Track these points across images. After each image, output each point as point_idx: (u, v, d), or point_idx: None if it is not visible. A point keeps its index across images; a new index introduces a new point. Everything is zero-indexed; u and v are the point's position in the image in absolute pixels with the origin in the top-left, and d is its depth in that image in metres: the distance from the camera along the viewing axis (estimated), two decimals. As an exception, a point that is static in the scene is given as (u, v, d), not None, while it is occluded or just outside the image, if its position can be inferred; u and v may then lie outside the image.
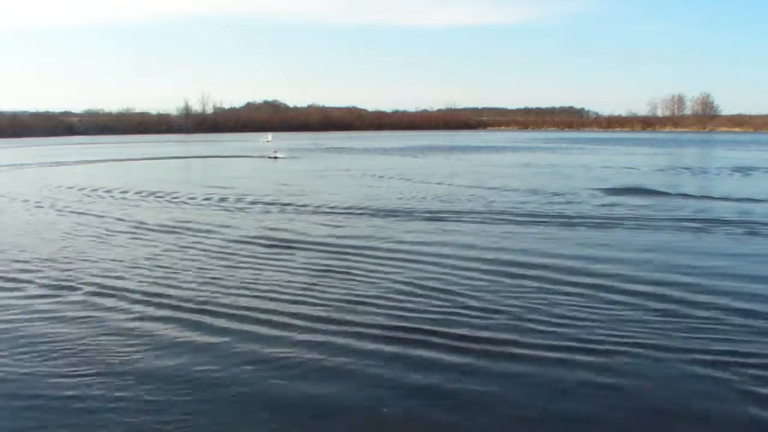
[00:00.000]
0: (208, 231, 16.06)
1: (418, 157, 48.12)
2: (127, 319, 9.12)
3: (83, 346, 7.97)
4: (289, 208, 20.45)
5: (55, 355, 7.65)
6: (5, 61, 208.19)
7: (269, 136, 77.10)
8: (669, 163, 42.42)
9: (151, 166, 41.92)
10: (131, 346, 8.02)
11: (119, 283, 11.01)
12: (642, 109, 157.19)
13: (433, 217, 18.24)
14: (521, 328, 8.54)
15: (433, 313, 9.19)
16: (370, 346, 7.95)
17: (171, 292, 10.44)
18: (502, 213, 18.85)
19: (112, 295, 10.28)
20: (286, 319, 8.97)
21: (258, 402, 6.45)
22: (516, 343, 8.02)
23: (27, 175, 34.65)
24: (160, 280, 11.22)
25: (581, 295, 10.03)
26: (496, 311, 9.24)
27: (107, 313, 9.37)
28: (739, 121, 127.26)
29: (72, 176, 33.05)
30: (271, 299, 9.92)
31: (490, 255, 12.91)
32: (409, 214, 18.88)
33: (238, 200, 22.30)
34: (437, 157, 49.44)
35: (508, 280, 10.94)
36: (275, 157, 45.17)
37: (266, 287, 10.61)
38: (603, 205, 20.48)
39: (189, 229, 16.47)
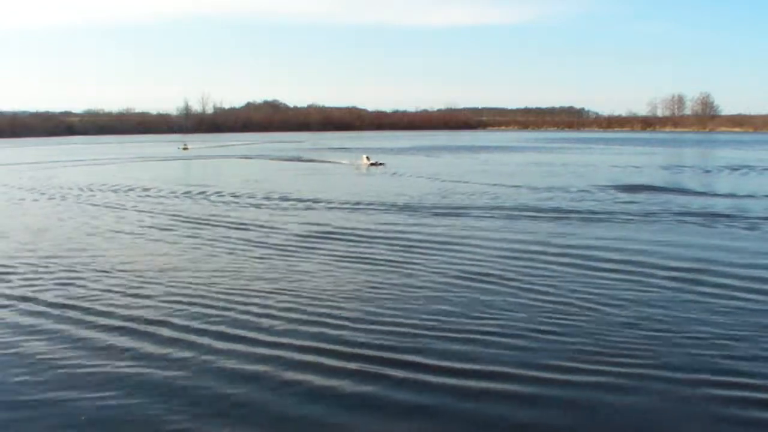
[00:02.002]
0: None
1: (430, 157, 47.97)
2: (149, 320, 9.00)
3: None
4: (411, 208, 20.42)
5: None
6: (5, 61, 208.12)
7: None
8: (673, 162, 42.70)
9: (218, 166, 41.20)
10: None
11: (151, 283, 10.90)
12: (642, 109, 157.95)
13: (463, 213, 18.47)
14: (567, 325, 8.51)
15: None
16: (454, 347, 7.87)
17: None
18: (531, 209, 19.01)
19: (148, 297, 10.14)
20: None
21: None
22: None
23: (37, 173, 34.57)
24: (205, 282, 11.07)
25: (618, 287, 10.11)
26: (567, 304, 9.26)
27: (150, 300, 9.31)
28: (739, 121, 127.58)
29: (94, 176, 32.93)
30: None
31: (534, 249, 13.04)
32: (445, 210, 19.03)
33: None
34: (447, 156, 49.45)
35: (551, 272, 11.08)
36: (374, 164, 38.01)
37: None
38: (623, 202, 20.69)
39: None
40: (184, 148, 59.18)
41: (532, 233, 15.02)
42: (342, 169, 36.63)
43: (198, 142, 74.78)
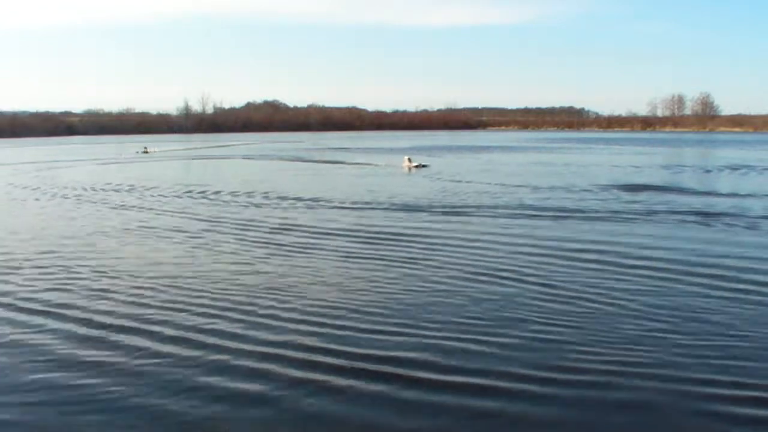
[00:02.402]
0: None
1: (434, 157, 47.89)
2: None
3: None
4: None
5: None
6: (5, 61, 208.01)
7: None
8: (674, 162, 42.78)
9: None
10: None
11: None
12: (642, 109, 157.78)
13: (469, 212, 18.55)
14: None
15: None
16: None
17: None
18: (535, 209, 19.02)
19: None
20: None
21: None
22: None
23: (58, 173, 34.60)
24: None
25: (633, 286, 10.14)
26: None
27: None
28: (739, 121, 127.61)
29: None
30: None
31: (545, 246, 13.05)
32: (462, 209, 19.10)
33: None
34: (449, 156, 49.34)
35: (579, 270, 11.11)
36: (418, 165, 35.41)
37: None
38: (625, 201, 20.76)
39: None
40: (145, 151, 54.34)
41: (542, 232, 15.10)
42: (381, 171, 34.15)
43: (180, 143, 74.49)
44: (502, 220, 17.03)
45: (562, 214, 17.99)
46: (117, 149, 58.86)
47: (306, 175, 33.09)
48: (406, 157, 37.28)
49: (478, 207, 19.62)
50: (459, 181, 27.73)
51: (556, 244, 13.45)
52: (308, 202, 20.97)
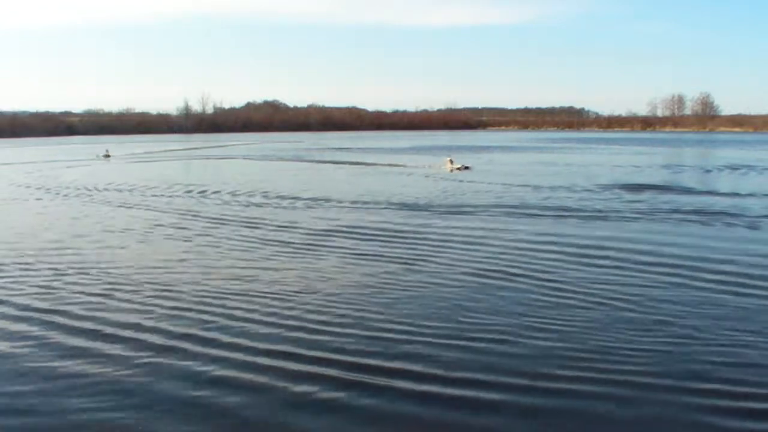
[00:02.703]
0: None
1: (437, 157, 47.78)
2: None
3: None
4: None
5: None
6: (5, 61, 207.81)
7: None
8: (674, 161, 42.84)
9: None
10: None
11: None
12: (642, 109, 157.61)
13: (468, 211, 18.57)
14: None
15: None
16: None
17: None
18: (545, 209, 19.05)
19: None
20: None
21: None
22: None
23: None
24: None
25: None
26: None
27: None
28: (739, 121, 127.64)
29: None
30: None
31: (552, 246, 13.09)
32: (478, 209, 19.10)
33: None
34: (451, 156, 49.15)
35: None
36: (460, 167, 33.82)
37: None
38: (627, 201, 20.81)
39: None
40: (106, 155, 48.78)
41: (551, 231, 15.18)
42: (416, 173, 32.59)
43: (178, 143, 74.28)
44: (513, 219, 17.11)
45: (564, 213, 18.06)
46: (75, 152, 55.43)
47: (317, 176, 33.13)
48: (448, 159, 35.85)
49: (567, 209, 18.99)
50: (509, 184, 26.26)
51: (558, 241, 13.53)
52: (347, 205, 21.05)
